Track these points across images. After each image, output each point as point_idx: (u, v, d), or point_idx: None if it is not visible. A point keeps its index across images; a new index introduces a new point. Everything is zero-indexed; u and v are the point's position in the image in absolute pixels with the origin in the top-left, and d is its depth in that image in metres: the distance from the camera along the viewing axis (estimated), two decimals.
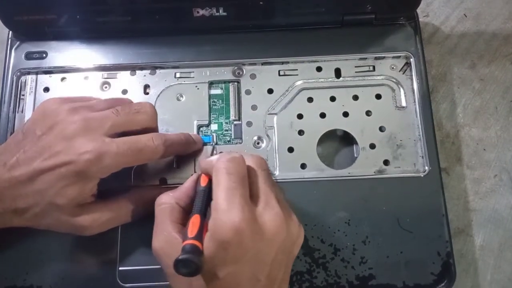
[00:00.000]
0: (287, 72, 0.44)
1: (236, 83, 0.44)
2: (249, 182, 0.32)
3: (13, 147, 0.34)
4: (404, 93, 0.43)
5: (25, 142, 0.34)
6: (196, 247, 0.29)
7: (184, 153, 0.40)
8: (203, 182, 0.34)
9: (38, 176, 0.32)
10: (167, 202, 0.33)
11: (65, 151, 0.32)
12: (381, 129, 0.42)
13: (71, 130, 0.33)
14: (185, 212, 0.34)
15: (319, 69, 0.44)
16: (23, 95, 0.44)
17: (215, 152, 0.41)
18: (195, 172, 0.41)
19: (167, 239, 0.31)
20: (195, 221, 0.31)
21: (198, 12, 0.43)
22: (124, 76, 0.44)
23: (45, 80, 0.44)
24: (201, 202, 0.32)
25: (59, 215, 0.33)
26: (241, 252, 0.29)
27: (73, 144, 0.33)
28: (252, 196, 0.32)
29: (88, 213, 0.34)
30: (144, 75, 0.44)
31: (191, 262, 0.28)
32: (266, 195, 0.32)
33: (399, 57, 0.44)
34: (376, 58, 0.44)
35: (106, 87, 0.44)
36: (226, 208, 0.29)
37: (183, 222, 0.33)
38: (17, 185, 0.32)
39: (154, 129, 0.37)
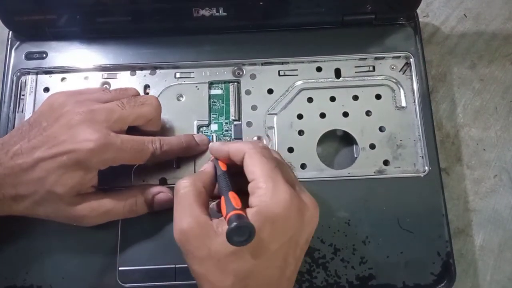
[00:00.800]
0: (287, 72, 0.44)
1: (236, 83, 0.44)
2: (280, 167, 0.33)
3: (18, 136, 0.35)
4: (404, 93, 0.43)
5: (30, 133, 0.34)
6: (244, 215, 0.29)
7: (185, 155, 0.40)
8: (223, 167, 0.35)
9: (39, 163, 0.33)
10: (191, 185, 0.33)
11: (69, 140, 0.33)
12: (381, 129, 0.42)
13: (76, 121, 0.34)
14: (208, 196, 0.34)
15: (319, 69, 0.44)
16: (23, 95, 0.44)
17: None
18: (195, 172, 0.41)
19: (197, 220, 0.31)
20: (233, 196, 0.31)
21: (198, 12, 0.43)
22: (124, 76, 0.44)
23: (45, 80, 0.44)
24: (227, 183, 0.33)
25: (58, 203, 0.34)
26: (287, 228, 0.30)
27: (76, 134, 0.33)
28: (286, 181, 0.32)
29: (87, 203, 0.35)
30: (144, 75, 0.44)
31: (245, 228, 0.28)
32: (297, 181, 0.34)
33: (399, 57, 0.44)
34: (376, 58, 0.44)
35: (106, 87, 0.44)
36: (273, 186, 0.30)
37: (208, 206, 0.33)
38: (18, 172, 0.33)
39: (157, 121, 0.39)
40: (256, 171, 0.31)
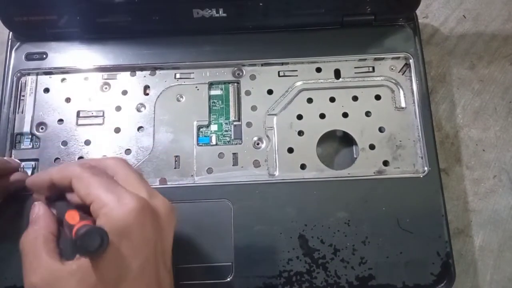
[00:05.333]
0: (286, 73, 0.44)
1: (236, 83, 0.44)
2: (120, 179, 0.31)
3: None
4: (404, 94, 0.43)
5: None
6: (90, 224, 0.27)
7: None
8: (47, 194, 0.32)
9: None
10: (34, 236, 0.30)
11: None
12: (381, 129, 0.42)
13: None
14: (57, 241, 0.30)
15: (318, 70, 0.44)
16: (23, 95, 0.44)
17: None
18: (195, 171, 0.41)
19: (45, 268, 0.28)
20: (73, 213, 0.28)
21: (198, 13, 0.43)
22: (124, 77, 0.44)
23: (45, 80, 0.44)
24: (63, 207, 0.31)
25: None
26: (146, 236, 0.28)
27: None
28: (131, 188, 0.30)
29: None
30: (144, 76, 0.44)
31: (94, 233, 0.25)
32: (146, 186, 0.31)
33: (398, 58, 0.44)
34: (375, 59, 0.44)
35: (106, 88, 0.44)
36: (115, 198, 0.28)
37: (59, 252, 0.29)
38: None
39: None
40: (91, 192, 0.29)
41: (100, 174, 0.30)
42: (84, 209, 0.29)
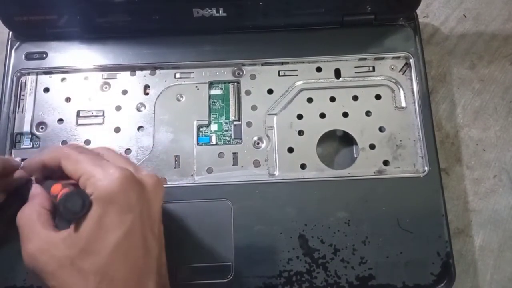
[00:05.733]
0: (287, 73, 0.44)
1: (236, 83, 0.44)
2: (107, 157, 0.32)
3: None
4: (404, 93, 0.43)
5: None
6: (73, 189, 0.29)
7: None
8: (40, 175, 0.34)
9: None
10: (30, 210, 0.31)
11: None
12: (381, 129, 0.42)
13: None
14: (52, 213, 0.32)
15: (319, 69, 0.44)
16: (23, 95, 0.44)
17: None
18: (195, 171, 0.41)
19: (39, 237, 0.29)
20: (57, 185, 0.30)
21: (198, 13, 0.43)
22: (124, 77, 0.44)
23: (45, 80, 0.44)
24: (50, 183, 0.32)
25: None
26: (131, 203, 0.29)
27: None
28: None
29: None
30: (144, 76, 0.44)
31: (75, 195, 0.27)
32: (131, 163, 0.33)
33: (398, 57, 0.44)
34: (375, 59, 0.44)
35: (106, 88, 0.44)
36: (101, 170, 0.29)
37: (52, 223, 0.31)
38: None
39: None
40: (79, 167, 0.30)
41: (87, 152, 0.32)
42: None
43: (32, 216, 0.31)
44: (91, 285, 0.28)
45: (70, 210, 0.28)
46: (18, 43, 0.45)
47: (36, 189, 0.34)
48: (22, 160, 0.41)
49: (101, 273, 0.28)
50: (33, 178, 0.35)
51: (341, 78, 0.44)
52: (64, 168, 0.31)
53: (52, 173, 0.33)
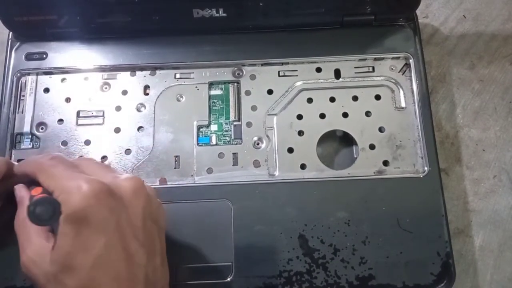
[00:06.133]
0: (287, 73, 0.44)
1: (236, 83, 0.44)
2: (83, 167, 0.32)
3: None
4: (404, 94, 0.43)
5: None
6: (46, 195, 0.28)
7: None
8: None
9: None
10: (24, 215, 0.31)
11: None
12: (381, 129, 0.42)
13: None
14: None
15: (318, 69, 0.44)
16: (23, 95, 0.44)
17: None
18: (195, 171, 0.41)
19: (36, 249, 0.30)
20: (37, 188, 0.31)
21: (198, 13, 0.43)
22: (124, 77, 0.44)
23: (45, 80, 0.44)
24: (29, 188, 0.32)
25: None
26: (104, 218, 0.28)
27: None
28: (96, 175, 0.31)
29: None
30: (144, 76, 0.44)
31: (45, 202, 0.27)
32: (109, 171, 0.32)
33: (398, 58, 0.44)
34: (375, 59, 0.44)
35: (106, 88, 0.44)
36: (72, 185, 0.29)
37: (49, 229, 0.31)
38: None
39: None
40: (51, 182, 0.30)
41: (61, 164, 0.31)
42: None
43: (25, 222, 0.31)
44: None
45: (38, 216, 0.27)
46: (18, 43, 0.45)
47: (20, 192, 0.34)
48: (19, 161, 0.41)
49: None
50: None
51: (341, 79, 0.44)
52: (40, 182, 0.31)
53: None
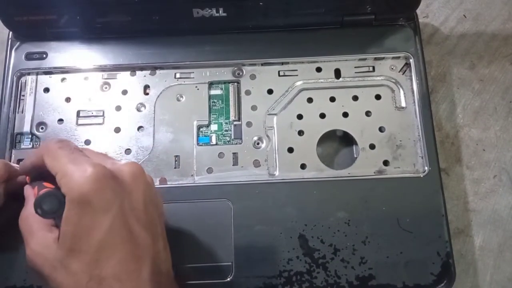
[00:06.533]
0: (287, 73, 0.44)
1: (236, 83, 0.44)
2: (87, 152, 0.32)
3: None
4: (404, 93, 0.43)
5: None
6: (53, 188, 0.29)
7: None
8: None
9: None
10: (28, 212, 0.32)
11: None
12: (381, 129, 0.42)
13: None
14: None
15: (319, 69, 0.44)
16: (23, 95, 0.44)
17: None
18: (195, 171, 0.41)
19: (40, 241, 0.30)
20: (41, 184, 0.31)
21: (198, 13, 0.43)
22: (124, 77, 0.44)
23: (45, 80, 0.44)
24: (40, 182, 0.33)
25: None
26: (107, 201, 0.29)
27: None
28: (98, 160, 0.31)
29: None
30: (144, 76, 0.44)
31: (51, 195, 0.28)
32: (110, 158, 0.33)
33: (398, 57, 0.44)
34: (375, 59, 0.44)
35: (106, 88, 0.44)
36: (75, 168, 0.29)
37: (52, 224, 0.32)
38: None
39: None
40: (55, 164, 0.30)
41: (66, 147, 0.31)
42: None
43: (29, 219, 0.32)
44: (81, 284, 0.28)
45: (45, 210, 0.28)
46: (18, 43, 0.45)
47: (27, 191, 0.34)
48: (19, 161, 0.41)
49: (89, 272, 0.28)
50: (27, 178, 0.36)
51: (341, 78, 0.44)
52: (46, 164, 0.31)
53: (45, 172, 0.33)
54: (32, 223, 0.31)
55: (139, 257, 0.29)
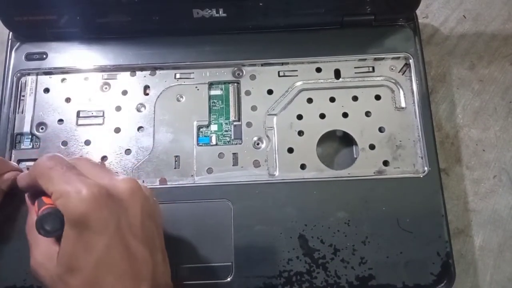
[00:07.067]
0: (286, 73, 0.44)
1: (236, 83, 0.44)
2: (82, 170, 0.32)
3: None
4: (404, 94, 0.43)
5: None
6: (54, 207, 0.29)
7: None
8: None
9: None
10: (32, 221, 0.32)
11: None
12: (381, 129, 0.42)
13: None
14: None
15: (318, 70, 0.44)
16: (23, 96, 0.44)
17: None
18: (195, 171, 0.41)
19: (44, 251, 0.31)
20: (44, 199, 0.32)
21: (198, 13, 0.43)
22: (124, 77, 0.44)
23: (45, 81, 0.44)
24: (40, 198, 0.33)
25: None
26: (104, 220, 0.29)
27: None
28: (93, 177, 0.31)
29: None
30: (144, 76, 0.44)
31: (52, 215, 0.28)
32: (105, 172, 0.32)
33: (398, 58, 0.44)
34: (375, 59, 0.44)
35: (106, 88, 0.44)
36: (70, 189, 0.29)
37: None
38: None
39: None
40: (49, 185, 0.30)
41: (58, 165, 0.31)
42: None
43: (34, 228, 0.31)
44: None
45: (47, 230, 0.29)
46: (18, 43, 0.45)
47: (28, 201, 0.35)
48: (19, 161, 0.41)
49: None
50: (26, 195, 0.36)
51: (341, 79, 0.44)
52: (41, 185, 0.31)
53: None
54: (37, 233, 0.31)
55: (137, 273, 0.30)
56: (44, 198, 0.32)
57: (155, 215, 0.33)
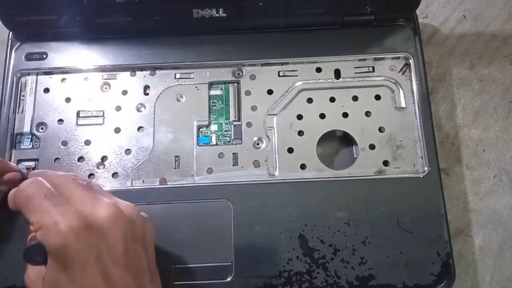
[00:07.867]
0: (286, 73, 0.44)
1: (236, 83, 0.44)
2: (64, 194, 0.31)
3: None
4: (404, 94, 0.43)
5: None
6: (37, 240, 0.30)
7: None
8: None
9: None
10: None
11: None
12: (381, 129, 0.42)
13: None
14: None
15: (318, 70, 0.44)
16: (23, 95, 0.44)
17: None
18: (195, 171, 0.41)
19: (37, 271, 0.31)
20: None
21: (198, 13, 0.43)
22: (124, 77, 0.44)
23: (45, 81, 0.44)
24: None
25: None
26: (83, 253, 0.29)
27: None
28: (74, 203, 0.31)
29: None
30: (144, 76, 0.44)
31: (37, 246, 0.29)
32: (89, 195, 0.31)
33: (398, 58, 0.44)
34: (375, 59, 0.44)
35: (106, 88, 0.44)
36: (47, 220, 0.29)
37: None
38: None
39: None
40: (29, 215, 0.30)
41: (37, 194, 0.31)
42: None
43: None
44: None
45: (36, 261, 0.30)
46: (18, 43, 0.45)
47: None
48: (19, 161, 0.41)
49: None
50: None
51: (341, 79, 0.44)
52: (25, 215, 0.31)
53: None
54: None
55: None
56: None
57: (143, 235, 0.32)
